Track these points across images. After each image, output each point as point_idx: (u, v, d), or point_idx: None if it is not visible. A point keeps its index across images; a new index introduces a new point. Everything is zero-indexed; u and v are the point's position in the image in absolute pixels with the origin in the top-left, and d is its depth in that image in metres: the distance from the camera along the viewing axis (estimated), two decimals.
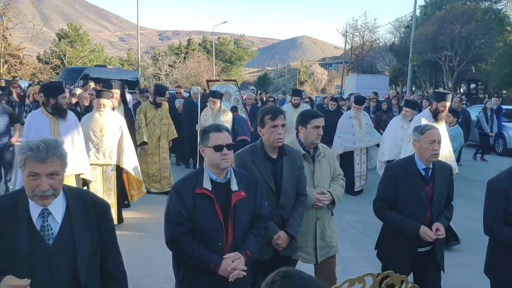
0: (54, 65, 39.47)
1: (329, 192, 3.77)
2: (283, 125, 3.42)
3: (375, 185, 8.51)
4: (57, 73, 32.46)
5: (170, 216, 2.91)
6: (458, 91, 36.28)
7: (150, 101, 8.77)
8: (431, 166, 3.65)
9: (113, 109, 6.63)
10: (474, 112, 16.57)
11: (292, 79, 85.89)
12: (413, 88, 42.09)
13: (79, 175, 5.67)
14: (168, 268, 5.24)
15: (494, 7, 35.61)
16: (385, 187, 3.73)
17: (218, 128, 2.96)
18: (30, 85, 22.58)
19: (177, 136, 8.95)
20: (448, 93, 6.49)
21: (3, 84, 18.77)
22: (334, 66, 76.00)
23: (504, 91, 34.89)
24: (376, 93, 15.40)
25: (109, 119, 6.28)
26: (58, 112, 5.41)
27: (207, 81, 9.44)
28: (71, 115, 5.63)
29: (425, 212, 3.59)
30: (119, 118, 6.46)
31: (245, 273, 2.91)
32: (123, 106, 7.03)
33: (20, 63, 34.74)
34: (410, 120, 8.05)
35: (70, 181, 5.34)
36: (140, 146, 8.43)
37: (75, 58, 43.79)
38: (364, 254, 5.87)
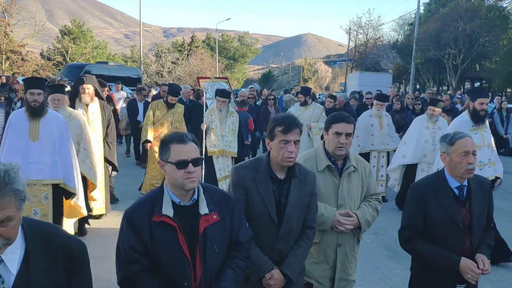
0: (56, 62, 39.48)
1: (356, 214, 3.13)
2: (297, 142, 2.77)
3: (392, 193, 8.30)
4: (59, 70, 32.45)
5: (121, 251, 2.37)
6: (462, 90, 36.09)
7: (163, 100, 8.35)
8: (465, 183, 3.01)
9: (87, 105, 6.46)
10: None
11: (296, 76, 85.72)
12: (417, 86, 41.90)
13: (57, 185, 5.09)
14: None
15: (499, 5, 35.39)
16: (412, 213, 3.06)
17: (181, 138, 2.35)
18: None
19: None
20: (483, 89, 5.99)
21: (4, 80, 18.70)
22: (338, 63, 75.70)
23: (509, 90, 34.67)
24: (380, 91, 15.21)
25: (66, 116, 5.74)
26: (27, 110, 4.91)
27: (198, 78, 9.16)
28: (54, 115, 5.13)
29: (463, 240, 2.95)
30: (78, 116, 6.00)
31: None
32: (98, 101, 6.76)
33: (22, 59, 34.74)
34: (436, 121, 7.68)
35: (46, 189, 4.99)
36: (143, 144, 8.26)
37: (77, 54, 43.79)
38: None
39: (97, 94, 6.66)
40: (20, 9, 35.95)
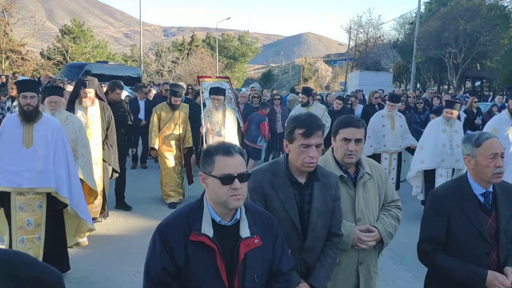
0: (57, 61, 39.48)
1: (376, 228, 2.85)
2: (319, 145, 2.54)
3: (408, 198, 8.07)
4: (59, 69, 32.44)
5: (151, 273, 2.11)
6: (463, 89, 36.07)
7: (167, 102, 8.06)
8: (491, 189, 2.74)
9: (86, 108, 6.33)
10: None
11: (297, 75, 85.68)
12: (418, 85, 41.88)
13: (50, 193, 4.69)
14: None
15: (499, 4, 35.30)
16: (433, 224, 2.76)
17: (227, 149, 2.10)
18: None
19: (191, 145, 8.05)
20: None
21: (4, 80, 18.66)
22: (338, 63, 75.69)
23: None
24: (383, 91, 15.07)
25: (64, 119, 5.50)
26: (20, 115, 4.58)
27: (198, 77, 8.98)
28: (49, 120, 4.78)
29: (489, 254, 2.68)
30: (76, 120, 5.76)
31: None
32: (99, 103, 6.62)
33: (22, 58, 34.73)
34: (452, 123, 7.30)
35: (40, 198, 4.61)
36: (150, 151, 8.06)
37: (78, 54, 43.78)
38: None
39: (97, 95, 6.53)
40: (20, 8, 36.02)
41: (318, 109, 9.07)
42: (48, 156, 4.60)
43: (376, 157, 7.95)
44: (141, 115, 10.87)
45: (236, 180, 2.06)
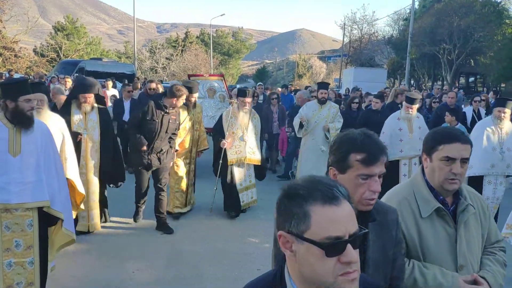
0: (50, 58, 39.29)
1: (485, 279, 2.18)
2: (381, 176, 1.87)
3: None
4: (53, 66, 32.30)
5: None
6: (457, 85, 36.22)
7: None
8: None
9: (85, 113, 6.07)
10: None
11: (291, 72, 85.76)
12: (412, 82, 42.00)
13: (42, 208, 4.03)
14: (152, 269, 5.16)
15: (493, 0, 35.48)
16: None
17: (330, 193, 1.25)
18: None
19: (207, 147, 7.43)
20: None
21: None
22: (332, 59, 75.84)
23: (503, 85, 34.82)
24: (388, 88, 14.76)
25: (48, 119, 4.98)
26: (18, 121, 3.86)
27: (189, 76, 8.69)
28: (39, 124, 4.12)
29: None
30: (59, 119, 5.32)
31: None
32: (97, 108, 6.38)
33: (15, 56, 34.52)
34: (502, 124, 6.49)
35: (30, 215, 3.96)
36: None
37: (71, 51, 43.56)
38: None
39: (98, 100, 6.30)
40: (13, 5, 35.78)
41: (332, 108, 8.27)
42: (39, 165, 3.98)
43: (395, 163, 7.24)
44: (126, 116, 9.61)
45: (349, 247, 1.22)
